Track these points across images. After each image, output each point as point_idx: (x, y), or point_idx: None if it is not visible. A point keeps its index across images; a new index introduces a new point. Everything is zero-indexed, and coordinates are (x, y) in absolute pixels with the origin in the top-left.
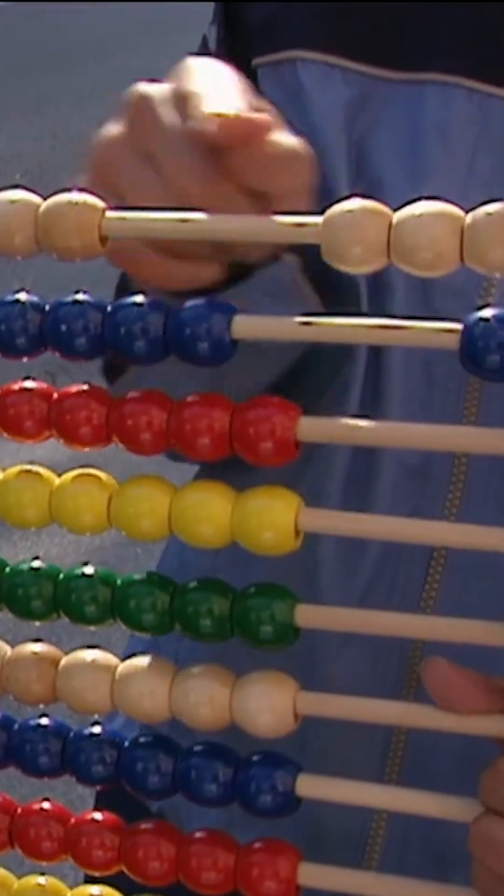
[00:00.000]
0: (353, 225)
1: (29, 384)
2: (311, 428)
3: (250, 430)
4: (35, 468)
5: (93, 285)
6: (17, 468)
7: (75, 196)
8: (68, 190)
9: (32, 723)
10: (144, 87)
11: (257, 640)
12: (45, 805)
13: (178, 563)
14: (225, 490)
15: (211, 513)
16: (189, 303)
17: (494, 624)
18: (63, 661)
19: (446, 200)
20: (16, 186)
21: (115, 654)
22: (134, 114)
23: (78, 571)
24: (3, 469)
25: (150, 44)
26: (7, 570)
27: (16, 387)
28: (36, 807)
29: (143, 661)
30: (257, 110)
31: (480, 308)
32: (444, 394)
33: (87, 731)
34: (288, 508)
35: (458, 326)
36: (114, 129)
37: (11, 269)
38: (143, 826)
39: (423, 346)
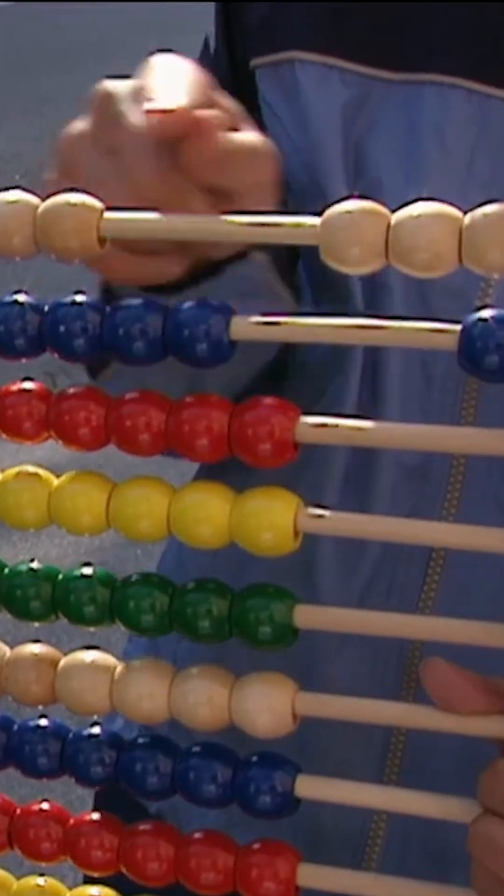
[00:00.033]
0: (352, 226)
1: (27, 385)
2: (310, 429)
3: (249, 431)
4: (34, 469)
5: (92, 286)
6: (16, 469)
7: (74, 197)
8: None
9: (31, 724)
10: (108, 84)
11: (256, 640)
12: (45, 806)
13: (176, 564)
14: (224, 491)
15: (210, 513)
16: (187, 304)
17: (494, 625)
18: (62, 662)
19: (445, 201)
20: (15, 187)
21: (115, 655)
22: (98, 110)
23: (76, 572)
24: (2, 470)
25: (150, 44)
26: (6, 571)
27: (14, 388)
28: (35, 808)
29: (142, 662)
30: (213, 106)
31: (479, 309)
32: (442, 394)
33: (86, 732)
34: (287, 509)
35: (457, 327)
36: (79, 124)
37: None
38: (142, 827)
39: (422, 346)
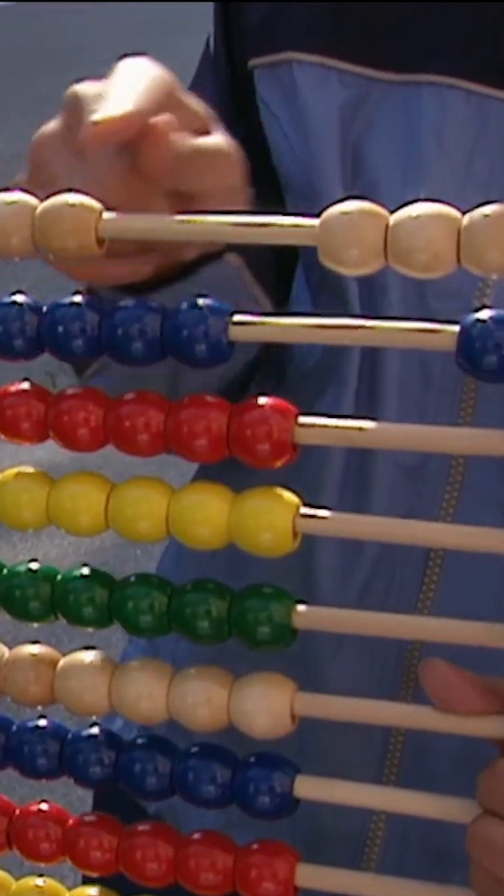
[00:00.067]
0: (350, 227)
1: (26, 386)
2: (308, 430)
3: (247, 431)
4: (33, 469)
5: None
6: (15, 470)
7: (72, 197)
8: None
9: (30, 724)
10: (79, 87)
11: (255, 641)
12: (44, 806)
13: (176, 565)
14: (222, 491)
15: (208, 514)
16: (186, 304)
17: (492, 625)
18: (61, 663)
19: (443, 202)
20: (15, 188)
21: (115, 656)
22: (67, 111)
23: (75, 573)
24: (2, 471)
25: (150, 44)
26: (4, 571)
27: (13, 389)
28: (34, 808)
29: (140, 662)
30: (177, 108)
31: (477, 309)
32: (440, 394)
33: (84, 733)
34: (286, 510)
35: (455, 328)
36: (50, 125)
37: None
38: (141, 827)
39: (420, 347)
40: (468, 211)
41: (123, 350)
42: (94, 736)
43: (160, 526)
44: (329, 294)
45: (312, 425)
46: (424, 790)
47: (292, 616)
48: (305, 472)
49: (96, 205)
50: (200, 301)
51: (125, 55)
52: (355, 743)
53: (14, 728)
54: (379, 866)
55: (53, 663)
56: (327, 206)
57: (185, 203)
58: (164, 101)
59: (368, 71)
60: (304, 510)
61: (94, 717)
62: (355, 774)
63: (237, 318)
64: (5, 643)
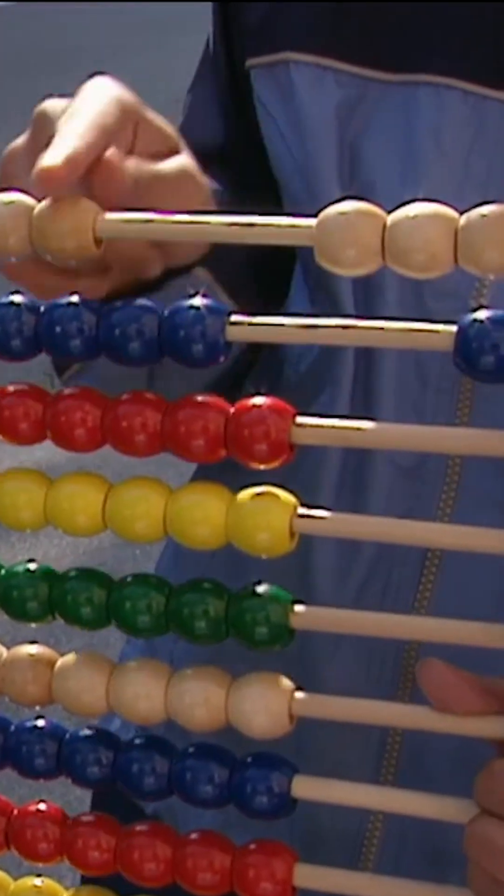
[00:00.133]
0: (347, 227)
1: (24, 387)
2: (306, 430)
3: (245, 432)
4: (30, 469)
5: None
6: (13, 470)
7: (71, 198)
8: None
9: (28, 724)
10: (46, 104)
11: (252, 641)
12: (42, 806)
13: (174, 565)
14: (220, 492)
15: (206, 514)
16: (184, 305)
17: (490, 625)
18: (59, 663)
19: (441, 202)
20: (13, 189)
21: (113, 656)
22: (34, 127)
23: (73, 573)
24: (1, 471)
25: (150, 44)
26: (2, 571)
27: (11, 389)
28: (32, 808)
29: (138, 662)
30: (136, 132)
31: (474, 310)
32: (437, 394)
33: (82, 733)
34: (283, 510)
35: (453, 328)
36: (20, 140)
37: None
38: (139, 827)
39: (418, 347)
40: (466, 211)
41: (121, 350)
42: (92, 736)
43: (158, 526)
44: (326, 294)
45: (310, 425)
46: (422, 790)
47: (290, 616)
48: (302, 472)
49: (94, 205)
50: (198, 301)
51: (125, 55)
52: (353, 743)
53: (12, 728)
54: (376, 866)
55: (51, 663)
56: (324, 207)
57: None
58: (124, 125)
59: (366, 71)
60: (301, 510)
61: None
62: (353, 774)
63: (234, 318)
64: (4, 643)
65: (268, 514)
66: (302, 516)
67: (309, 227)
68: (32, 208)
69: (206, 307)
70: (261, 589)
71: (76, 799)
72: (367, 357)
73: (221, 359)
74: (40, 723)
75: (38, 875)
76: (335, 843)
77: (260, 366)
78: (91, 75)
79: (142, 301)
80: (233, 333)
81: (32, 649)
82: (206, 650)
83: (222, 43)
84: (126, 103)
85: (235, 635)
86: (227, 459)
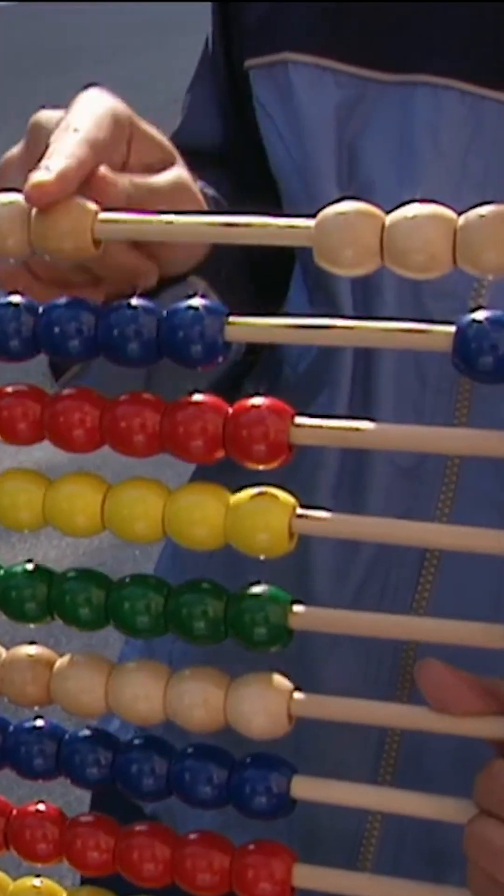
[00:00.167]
0: (346, 227)
1: (22, 387)
2: (305, 430)
3: (243, 432)
4: (29, 470)
5: None
6: (12, 470)
7: (70, 199)
8: None
9: (27, 725)
10: (41, 115)
11: (251, 642)
12: (41, 807)
13: (172, 565)
14: (219, 492)
15: (205, 515)
16: (182, 305)
17: (488, 625)
18: (58, 664)
19: (439, 202)
20: (11, 189)
21: (113, 656)
22: (29, 138)
23: (72, 574)
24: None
25: (150, 44)
26: (1, 572)
27: (9, 390)
28: (31, 809)
29: (137, 663)
30: (129, 144)
31: (473, 310)
32: (436, 395)
33: (81, 733)
34: (282, 511)
35: (451, 328)
36: (15, 150)
37: None
38: (138, 828)
39: (416, 347)
40: (464, 211)
41: (119, 351)
42: (91, 737)
43: (156, 527)
44: (325, 295)
45: (308, 426)
46: (420, 790)
47: (289, 617)
48: (301, 472)
49: (92, 206)
50: (196, 301)
51: (125, 55)
52: (351, 743)
53: (11, 729)
54: (375, 866)
55: (50, 664)
56: (323, 207)
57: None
58: (118, 138)
59: (364, 71)
60: (300, 511)
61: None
62: (351, 775)
63: (233, 318)
64: (3, 644)
65: (267, 515)
66: (301, 517)
67: (307, 227)
68: (31, 210)
69: (205, 308)
70: (259, 589)
71: (76, 799)
72: (365, 357)
73: (220, 359)
74: (39, 723)
75: (38, 875)
76: (334, 844)
77: (259, 366)
78: (88, 85)
79: (140, 302)
80: (231, 334)
81: (31, 650)
82: (204, 651)
83: (221, 43)
84: (120, 115)
85: (234, 636)
86: (225, 460)
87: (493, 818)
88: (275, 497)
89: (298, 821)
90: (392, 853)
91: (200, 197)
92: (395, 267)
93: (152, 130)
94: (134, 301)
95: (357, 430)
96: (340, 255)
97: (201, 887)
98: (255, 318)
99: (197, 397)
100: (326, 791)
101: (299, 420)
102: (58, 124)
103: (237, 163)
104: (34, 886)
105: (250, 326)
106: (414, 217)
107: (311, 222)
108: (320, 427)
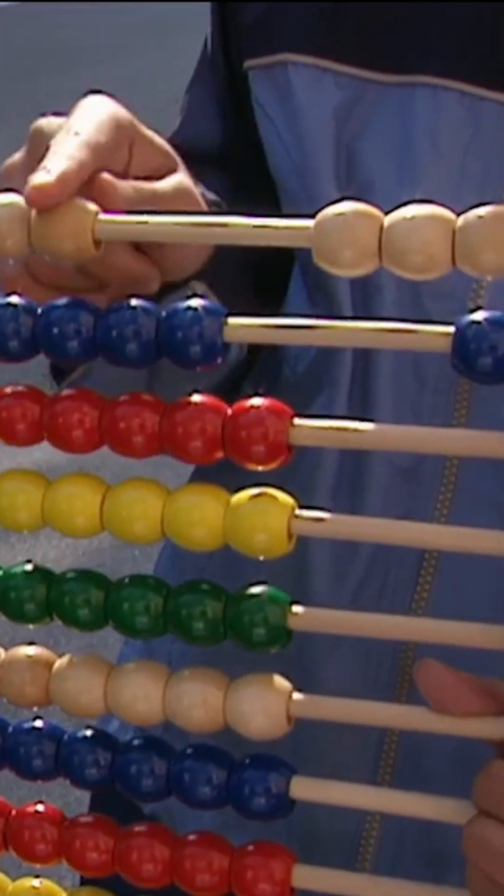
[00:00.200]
0: (345, 228)
1: (21, 388)
2: (304, 431)
3: (243, 433)
4: (28, 471)
5: None
6: (11, 471)
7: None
8: None
9: (26, 726)
10: (42, 121)
11: (250, 642)
12: (40, 808)
13: (172, 566)
14: (218, 493)
15: (204, 516)
16: (181, 306)
17: (488, 626)
18: (57, 664)
19: (438, 203)
20: (11, 190)
21: (112, 657)
22: (30, 144)
23: (71, 574)
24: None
25: (150, 44)
26: (0, 572)
27: (8, 390)
28: (30, 809)
29: (136, 663)
30: (131, 150)
31: (472, 311)
32: (434, 396)
33: (80, 734)
34: (281, 512)
35: (450, 329)
36: (17, 157)
37: None
38: (137, 829)
39: (415, 348)
40: (463, 212)
41: (118, 352)
42: (91, 737)
43: (155, 527)
44: (324, 295)
45: (308, 426)
46: (419, 791)
47: (288, 617)
48: (300, 473)
49: (93, 207)
50: (195, 302)
51: (125, 55)
52: (350, 744)
53: (10, 729)
54: (374, 867)
55: (49, 665)
56: (322, 208)
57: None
58: (119, 143)
59: (363, 72)
60: (299, 512)
61: (89, 719)
62: (350, 775)
63: (232, 319)
64: (2, 644)
65: (266, 516)
66: (300, 517)
67: (306, 228)
68: (30, 210)
69: (204, 308)
70: (259, 590)
71: (76, 800)
72: (364, 358)
73: (219, 360)
74: (38, 724)
75: (37, 876)
76: (333, 844)
77: (258, 367)
78: (92, 91)
79: (139, 302)
80: (230, 334)
81: (30, 650)
82: (203, 651)
83: (220, 43)
84: (122, 120)
85: (233, 636)
86: (224, 461)
87: (493, 819)
88: (274, 498)
89: (297, 821)
90: (391, 854)
91: (202, 202)
92: (394, 267)
93: (154, 136)
94: (133, 302)
95: (356, 430)
96: (339, 255)
97: (200, 888)
98: (254, 318)
99: (196, 398)
100: (325, 792)
101: (298, 421)
102: (59, 129)
103: (236, 163)
104: (33, 887)
105: (249, 327)
106: (413, 218)
107: (309, 223)
108: (319, 428)
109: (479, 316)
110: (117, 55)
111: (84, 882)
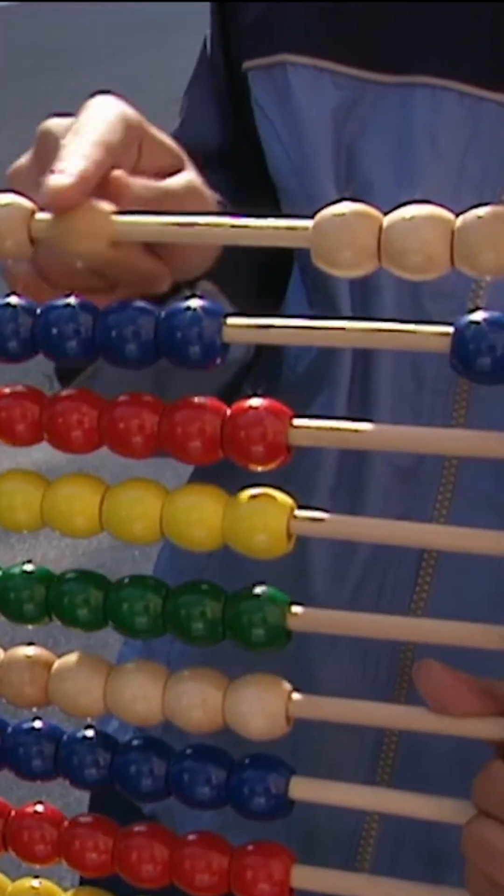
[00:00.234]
0: (344, 228)
1: (21, 388)
2: (303, 431)
3: (242, 433)
4: (27, 471)
5: None
6: (10, 471)
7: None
8: None
9: (26, 726)
10: (50, 122)
11: (249, 643)
12: (39, 808)
13: (171, 566)
14: (217, 493)
15: (203, 516)
16: (180, 306)
17: (487, 626)
18: (56, 665)
19: (437, 204)
20: (10, 190)
21: (112, 657)
22: (38, 146)
23: (70, 575)
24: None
25: (150, 44)
26: None
27: (7, 391)
28: (29, 810)
29: (135, 664)
30: (140, 149)
31: (471, 311)
32: (433, 396)
33: (80, 734)
34: (280, 512)
35: (449, 329)
36: (24, 160)
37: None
38: (137, 829)
39: (414, 348)
40: (462, 212)
41: (117, 352)
42: (90, 738)
43: (154, 528)
44: (323, 296)
45: (307, 427)
46: (418, 791)
47: (287, 618)
48: (299, 474)
49: (108, 207)
50: (194, 302)
51: (125, 55)
52: (348, 744)
53: (9, 730)
54: (373, 867)
55: (48, 665)
56: (321, 208)
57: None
58: (129, 143)
59: (362, 73)
60: (298, 512)
61: (89, 719)
62: (349, 775)
63: (231, 319)
64: (2, 645)
65: (265, 516)
66: (299, 518)
67: (305, 228)
68: (30, 210)
69: (203, 308)
70: (258, 590)
71: (75, 800)
72: (364, 358)
73: (218, 361)
74: (37, 724)
75: (36, 877)
76: (331, 844)
77: (257, 367)
78: (99, 92)
79: (138, 302)
80: (229, 335)
81: (30, 651)
82: (203, 652)
83: (220, 43)
84: (131, 120)
85: (232, 637)
86: (224, 461)
87: (492, 819)
88: (273, 498)
89: (297, 822)
90: (390, 854)
91: (212, 199)
92: (393, 268)
93: (162, 134)
94: (132, 302)
95: (355, 431)
96: (338, 256)
97: (200, 888)
98: (253, 318)
99: (195, 398)
100: (324, 792)
101: (297, 421)
102: (67, 130)
103: (236, 164)
104: (33, 887)
105: (248, 327)
106: (412, 218)
107: (308, 223)
108: (318, 428)
109: (477, 316)
110: (117, 55)
111: (83, 882)
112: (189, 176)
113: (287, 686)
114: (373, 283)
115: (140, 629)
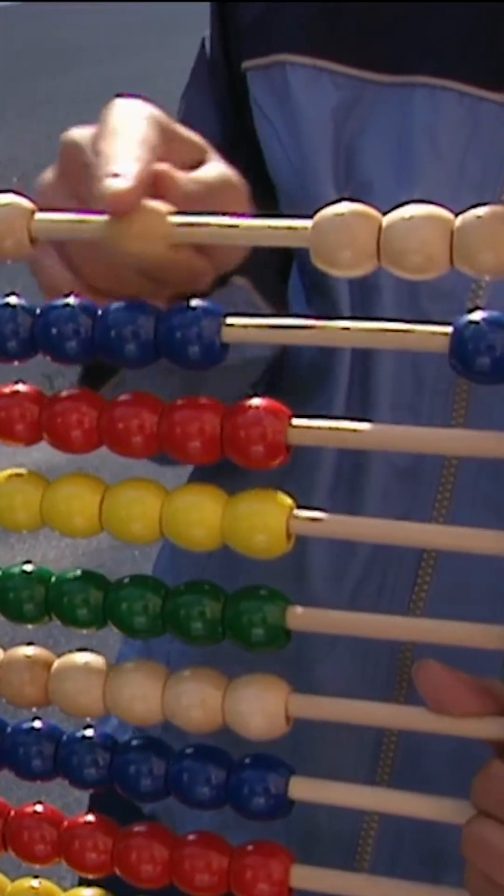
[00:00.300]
0: (343, 228)
1: (20, 388)
2: (302, 431)
3: (241, 433)
4: (27, 471)
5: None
6: (9, 471)
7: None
8: None
9: (25, 726)
10: (73, 133)
11: (249, 642)
12: (39, 808)
13: (170, 566)
14: (216, 493)
15: (202, 516)
16: (180, 306)
17: (486, 626)
18: (55, 665)
19: (436, 203)
20: (10, 190)
21: (111, 657)
22: (64, 158)
23: (70, 574)
24: None
25: (150, 44)
26: None
27: (7, 390)
28: (29, 810)
29: (135, 663)
30: (172, 147)
31: (470, 311)
32: (433, 396)
33: (79, 734)
34: (280, 512)
35: (449, 329)
36: (50, 173)
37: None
38: (136, 829)
39: (414, 348)
40: (461, 212)
41: (117, 352)
42: (89, 737)
43: (154, 528)
44: (323, 296)
45: (306, 427)
46: (418, 791)
47: (286, 618)
48: (298, 473)
49: (163, 207)
50: (193, 303)
51: (125, 55)
52: (348, 744)
53: (9, 730)
54: (372, 867)
55: (48, 665)
56: (320, 208)
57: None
58: (163, 141)
59: (362, 72)
60: (297, 512)
61: (88, 719)
62: (348, 775)
63: (230, 319)
64: (2, 645)
65: (264, 516)
66: (298, 518)
67: (305, 228)
68: (30, 210)
69: (202, 308)
70: (257, 590)
71: (75, 800)
72: (363, 358)
73: (218, 361)
74: (37, 724)
75: (36, 877)
76: (331, 844)
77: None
78: (103, 101)
79: (138, 302)
80: (229, 335)
81: (29, 651)
82: (202, 651)
83: (220, 43)
84: (159, 118)
85: (232, 637)
86: (223, 461)
87: (491, 819)
88: (272, 498)
89: (296, 821)
90: (389, 854)
91: (243, 186)
92: (392, 268)
93: (187, 130)
94: (131, 302)
95: (354, 430)
96: (337, 256)
97: (199, 888)
98: (253, 318)
99: (194, 398)
100: (324, 792)
101: (297, 421)
102: (94, 138)
103: (236, 164)
104: (32, 888)
105: (248, 327)
106: (411, 218)
107: (307, 223)
108: (318, 428)
109: (477, 316)
110: (117, 55)
111: (83, 882)
112: (221, 167)
113: (286, 686)
114: (372, 282)
115: (139, 629)
